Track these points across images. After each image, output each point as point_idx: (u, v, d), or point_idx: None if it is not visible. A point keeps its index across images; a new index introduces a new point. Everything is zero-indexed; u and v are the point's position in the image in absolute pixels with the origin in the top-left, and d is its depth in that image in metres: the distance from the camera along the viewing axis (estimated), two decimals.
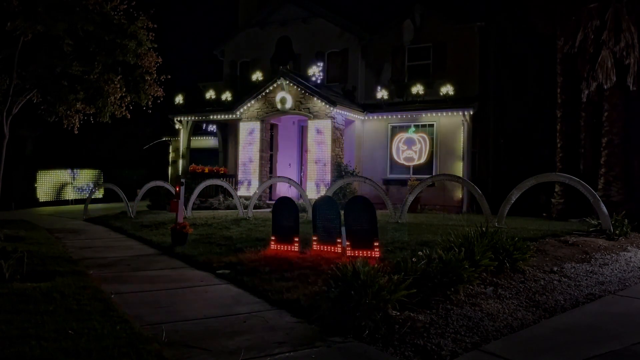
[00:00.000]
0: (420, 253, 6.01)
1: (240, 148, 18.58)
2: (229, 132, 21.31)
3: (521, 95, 19.70)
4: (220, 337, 4.30)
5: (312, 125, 17.26)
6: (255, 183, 17.83)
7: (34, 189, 21.65)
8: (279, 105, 17.63)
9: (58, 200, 22.24)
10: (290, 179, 14.77)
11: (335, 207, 7.80)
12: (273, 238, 8.17)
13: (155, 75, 11.54)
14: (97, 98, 10.80)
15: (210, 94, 20.04)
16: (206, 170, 19.12)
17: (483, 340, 4.38)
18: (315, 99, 17.01)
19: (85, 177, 23.51)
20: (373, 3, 22.78)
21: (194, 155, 21.70)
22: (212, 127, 22.26)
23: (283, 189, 18.64)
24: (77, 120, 11.52)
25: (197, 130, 22.51)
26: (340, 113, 17.33)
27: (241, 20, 22.70)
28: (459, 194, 16.91)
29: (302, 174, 19.32)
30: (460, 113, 16.99)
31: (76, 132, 11.72)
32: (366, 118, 18.60)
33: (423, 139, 17.56)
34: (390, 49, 19.27)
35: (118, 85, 10.88)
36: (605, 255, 7.79)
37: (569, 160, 14.80)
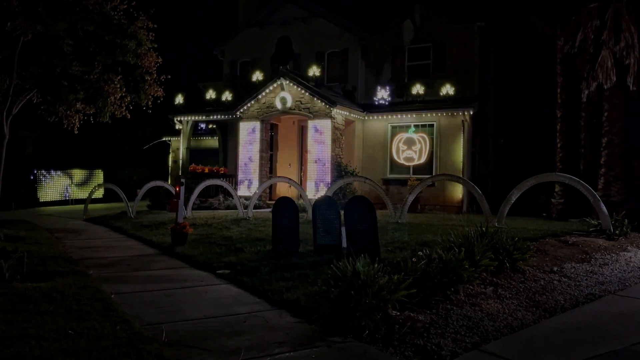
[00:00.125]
0: (420, 253, 6.01)
1: (240, 148, 18.58)
2: (229, 132, 21.30)
3: (521, 95, 19.71)
4: (220, 337, 4.30)
5: (312, 125, 17.26)
6: (255, 183, 17.84)
7: (34, 189, 21.65)
8: (279, 105, 17.63)
9: (58, 200, 22.24)
10: (290, 179, 14.77)
11: (335, 207, 7.80)
12: (273, 238, 8.18)
13: (155, 75, 11.54)
14: (97, 98, 10.80)
15: (210, 94, 20.04)
16: (206, 170, 19.12)
17: (483, 340, 4.38)
18: (315, 99, 17.01)
19: (85, 177, 23.51)
20: (373, 3, 22.80)
21: (194, 155, 21.70)
22: (212, 127, 22.27)
23: (283, 189, 18.65)
24: (77, 120, 11.52)
25: (197, 130, 22.53)
26: (340, 113, 17.33)
27: (241, 20, 22.70)
28: (459, 194, 16.90)
29: (302, 174, 19.32)
30: (460, 113, 16.99)
31: (76, 132, 11.72)
32: (366, 118, 18.60)
33: (423, 139, 17.57)
34: (390, 49, 19.28)
35: (118, 85, 10.88)
36: (605, 255, 7.79)
37: (569, 160, 14.80)
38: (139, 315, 4.83)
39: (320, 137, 17.06)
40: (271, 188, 18.92)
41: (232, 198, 15.66)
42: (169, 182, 20.49)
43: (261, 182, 17.45)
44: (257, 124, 18.21)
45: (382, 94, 18.36)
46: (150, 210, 16.64)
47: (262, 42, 21.37)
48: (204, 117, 20.20)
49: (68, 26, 9.38)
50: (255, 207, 14.64)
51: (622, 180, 13.77)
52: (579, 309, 5.40)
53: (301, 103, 17.35)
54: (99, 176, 23.94)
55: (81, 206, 17.65)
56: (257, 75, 19.28)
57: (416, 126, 17.82)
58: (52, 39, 9.67)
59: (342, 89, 19.55)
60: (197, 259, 7.76)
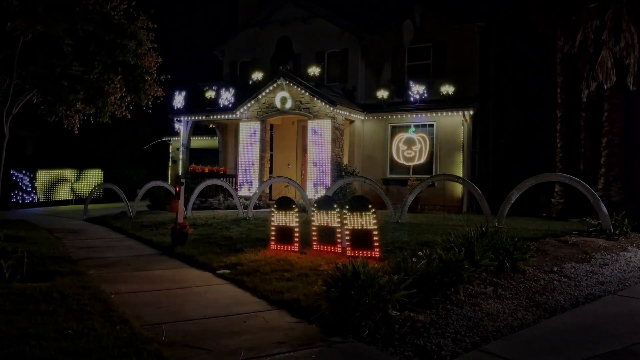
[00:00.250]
0: (420, 253, 6.01)
1: (240, 148, 18.58)
2: (229, 132, 21.31)
3: (521, 95, 19.69)
4: (221, 337, 4.30)
5: (312, 125, 17.26)
6: (255, 183, 17.84)
7: (34, 189, 21.64)
8: (279, 106, 17.63)
9: (58, 200, 22.23)
10: (290, 179, 14.76)
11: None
12: (273, 238, 8.18)
13: (155, 75, 11.55)
14: (97, 98, 10.80)
15: (210, 94, 20.03)
16: (206, 170, 19.13)
17: (483, 340, 4.38)
18: (315, 99, 17.01)
19: (85, 177, 23.49)
20: (373, 3, 22.79)
21: (194, 155, 21.69)
22: (212, 127, 22.26)
23: (283, 189, 18.63)
24: (77, 120, 11.52)
25: (197, 130, 22.50)
26: (340, 113, 17.33)
27: (241, 20, 22.71)
28: (459, 194, 16.90)
29: (302, 174, 19.32)
30: (460, 113, 16.99)
31: (76, 132, 11.73)
32: (366, 118, 18.60)
33: (423, 139, 17.56)
34: (390, 49, 19.27)
35: (118, 85, 10.88)
36: (605, 255, 7.78)
37: (569, 160, 14.80)
38: (139, 315, 4.83)
39: (320, 137, 17.06)
40: (271, 188, 18.91)
41: (232, 198, 15.66)
42: (169, 182, 20.47)
43: (261, 182, 17.46)
44: (257, 124, 18.21)
45: (382, 94, 18.35)
46: (150, 210, 16.64)
47: (262, 42, 21.37)
48: (204, 117, 20.20)
49: (68, 26, 9.39)
50: (255, 207, 14.63)
51: (622, 180, 13.77)
52: (579, 309, 5.39)
53: (301, 103, 17.35)
54: (99, 176, 23.92)
55: (81, 206, 17.65)
56: (257, 75, 19.28)
57: (416, 126, 17.82)
58: (52, 39, 9.68)
59: (342, 89, 19.55)
60: (197, 259, 7.77)
